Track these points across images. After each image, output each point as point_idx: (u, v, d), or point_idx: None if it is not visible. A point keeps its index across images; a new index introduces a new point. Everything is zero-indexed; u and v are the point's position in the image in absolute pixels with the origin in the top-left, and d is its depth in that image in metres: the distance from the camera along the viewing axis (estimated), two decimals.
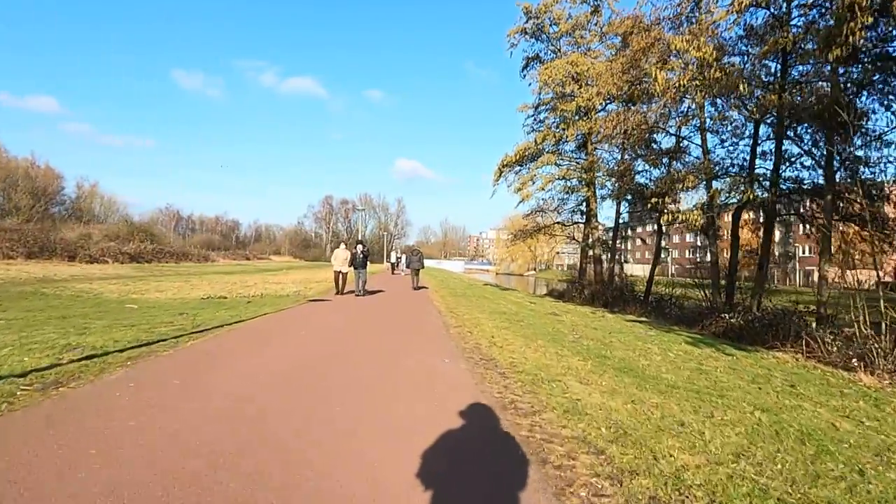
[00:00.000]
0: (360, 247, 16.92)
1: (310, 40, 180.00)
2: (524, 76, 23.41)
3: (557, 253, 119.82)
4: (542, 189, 22.03)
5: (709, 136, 16.64)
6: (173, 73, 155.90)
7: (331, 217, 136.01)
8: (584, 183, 22.52)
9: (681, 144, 17.81)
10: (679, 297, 21.36)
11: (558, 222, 25.34)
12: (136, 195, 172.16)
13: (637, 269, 77.81)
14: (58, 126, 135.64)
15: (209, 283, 20.52)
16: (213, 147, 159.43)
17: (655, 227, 22.68)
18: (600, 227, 26.22)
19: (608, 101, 19.97)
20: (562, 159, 22.65)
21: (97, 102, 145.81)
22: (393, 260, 34.76)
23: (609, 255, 25.94)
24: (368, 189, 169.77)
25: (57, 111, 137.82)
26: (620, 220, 25.36)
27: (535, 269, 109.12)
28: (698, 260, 78.53)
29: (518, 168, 22.70)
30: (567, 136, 21.10)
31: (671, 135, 17.97)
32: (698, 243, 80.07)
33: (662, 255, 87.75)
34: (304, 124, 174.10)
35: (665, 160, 18.03)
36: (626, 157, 20.06)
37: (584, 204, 23.77)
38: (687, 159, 17.25)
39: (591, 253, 24.78)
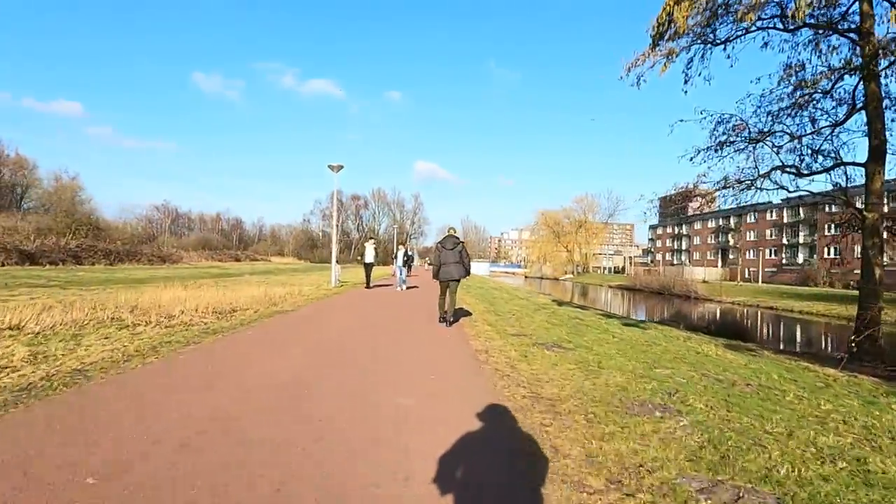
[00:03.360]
0: None
1: (329, 41, 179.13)
2: None
3: (595, 254, 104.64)
4: None
5: None
6: (193, 75, 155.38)
7: (340, 214, 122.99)
8: None
9: None
10: None
11: (788, 165, 10.98)
12: (156, 197, 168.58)
13: (699, 272, 62.29)
14: (82, 130, 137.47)
15: None
16: (231, 149, 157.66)
17: None
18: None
19: None
20: None
21: (119, 106, 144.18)
22: (369, 258, 17.42)
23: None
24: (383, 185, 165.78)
25: (81, 115, 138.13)
26: None
27: (572, 273, 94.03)
28: (784, 262, 62.59)
29: None
30: None
31: None
32: (784, 241, 63.98)
33: (732, 257, 71.91)
34: (323, 126, 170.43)
35: None
36: None
37: (867, 108, 9.38)
38: None
39: None
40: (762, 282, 58.16)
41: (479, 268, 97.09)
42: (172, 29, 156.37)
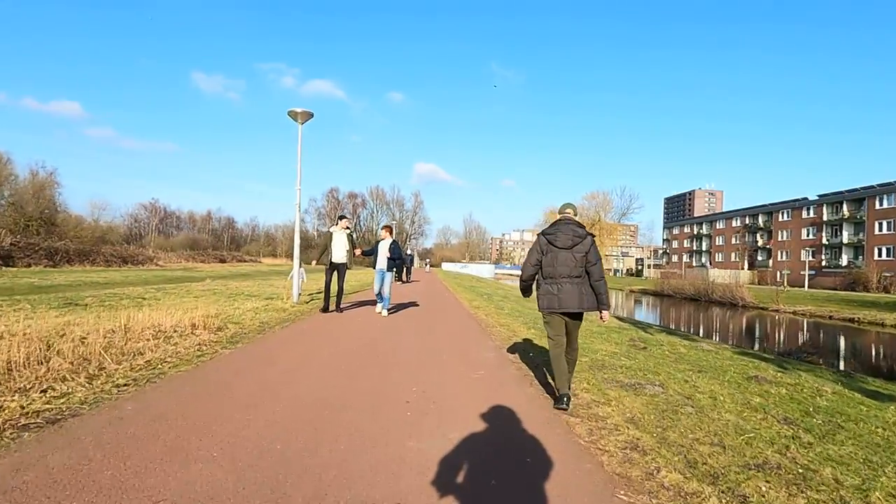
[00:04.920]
0: None
1: (330, 41, 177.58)
2: None
3: (605, 255, 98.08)
4: None
5: None
6: (194, 75, 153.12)
7: (336, 213, 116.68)
8: None
9: None
10: None
11: None
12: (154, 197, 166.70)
13: (725, 275, 55.50)
14: (82, 131, 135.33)
15: None
16: (229, 149, 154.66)
17: None
18: None
19: None
20: None
21: (119, 106, 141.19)
22: (339, 255, 9.92)
23: None
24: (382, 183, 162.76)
25: (81, 115, 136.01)
26: None
27: None
28: (824, 263, 55.90)
29: None
30: None
31: None
32: (824, 240, 57.32)
33: (761, 259, 65.78)
34: (323, 127, 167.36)
35: None
36: None
37: None
38: None
39: None
40: (807, 286, 51.87)
41: (482, 270, 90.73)
42: (173, 29, 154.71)
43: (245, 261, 75.82)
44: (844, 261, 55.25)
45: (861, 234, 53.80)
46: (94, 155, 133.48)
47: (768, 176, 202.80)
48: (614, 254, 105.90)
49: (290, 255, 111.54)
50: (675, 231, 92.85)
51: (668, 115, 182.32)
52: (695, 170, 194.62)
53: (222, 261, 68.43)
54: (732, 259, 73.61)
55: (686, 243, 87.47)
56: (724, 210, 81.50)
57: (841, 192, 57.25)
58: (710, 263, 75.94)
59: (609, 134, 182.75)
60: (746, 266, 69.48)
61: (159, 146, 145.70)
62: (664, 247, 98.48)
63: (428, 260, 79.61)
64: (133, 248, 45.20)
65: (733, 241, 74.69)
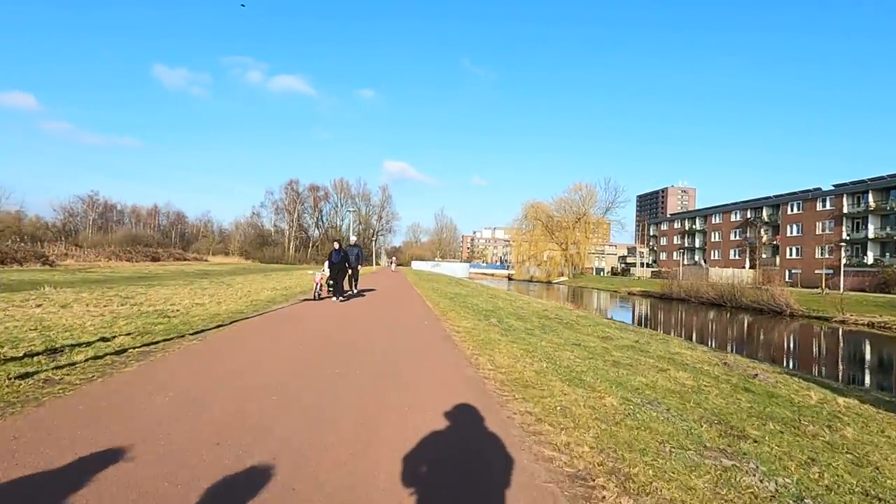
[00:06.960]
0: None
1: (299, 36, 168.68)
2: None
3: (589, 253, 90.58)
4: None
5: None
6: (155, 69, 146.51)
7: (295, 207, 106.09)
8: None
9: None
10: None
11: None
12: (120, 197, 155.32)
13: (725, 273, 48.39)
14: (37, 124, 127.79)
15: None
16: (198, 146, 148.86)
17: None
18: None
19: None
20: None
21: (77, 100, 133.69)
22: None
23: None
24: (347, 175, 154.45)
25: (35, 109, 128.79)
26: None
27: (567, 275, 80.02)
28: (843, 261, 49.11)
29: None
30: None
31: None
32: (845, 235, 50.50)
33: (765, 256, 58.84)
34: (292, 124, 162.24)
35: None
36: None
37: None
38: None
39: None
40: (842, 288, 44.80)
41: (455, 269, 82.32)
42: (135, 21, 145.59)
43: (185, 259, 65.72)
44: (870, 258, 48.64)
45: (890, 228, 47.27)
46: (50, 150, 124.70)
47: (742, 174, 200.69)
48: (596, 252, 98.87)
49: (242, 254, 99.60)
50: (664, 227, 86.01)
51: (641, 116, 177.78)
52: (666, 169, 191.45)
53: (155, 259, 58.11)
54: (731, 256, 66.91)
55: (676, 240, 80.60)
56: (719, 204, 74.53)
57: (864, 181, 50.63)
58: (706, 261, 69.17)
59: (580, 133, 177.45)
60: (747, 264, 62.71)
61: (120, 141, 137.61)
62: (651, 244, 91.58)
63: (394, 258, 70.33)
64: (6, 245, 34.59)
65: (732, 237, 67.98)
